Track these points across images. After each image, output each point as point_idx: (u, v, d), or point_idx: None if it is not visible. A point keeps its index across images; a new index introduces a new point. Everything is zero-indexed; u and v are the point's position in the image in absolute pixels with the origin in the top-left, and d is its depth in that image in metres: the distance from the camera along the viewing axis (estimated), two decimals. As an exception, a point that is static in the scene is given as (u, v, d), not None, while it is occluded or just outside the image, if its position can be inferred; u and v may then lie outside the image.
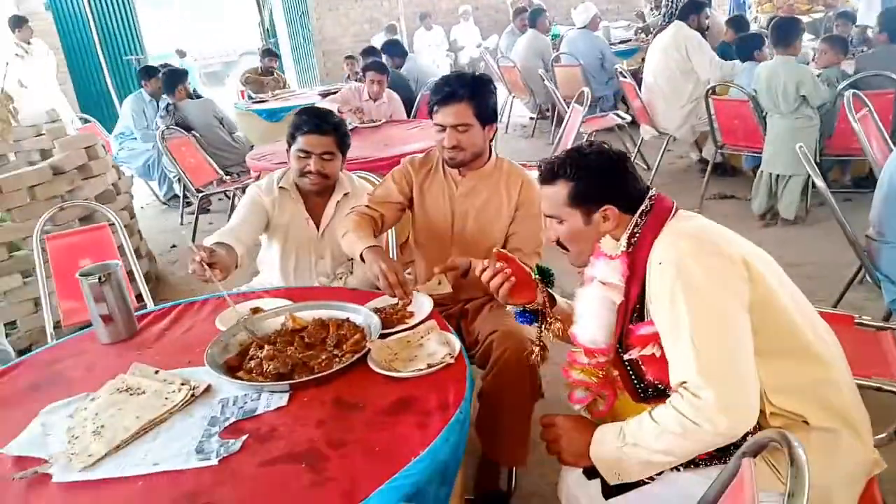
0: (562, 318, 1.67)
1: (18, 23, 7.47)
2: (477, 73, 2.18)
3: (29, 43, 7.58)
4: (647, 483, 1.37)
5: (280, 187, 2.37)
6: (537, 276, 1.66)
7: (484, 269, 1.65)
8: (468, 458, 1.55)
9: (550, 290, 1.69)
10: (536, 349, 1.70)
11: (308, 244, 2.39)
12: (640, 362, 1.41)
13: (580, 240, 1.52)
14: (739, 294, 1.30)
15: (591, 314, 1.48)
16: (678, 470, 1.36)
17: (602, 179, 1.46)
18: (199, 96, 6.02)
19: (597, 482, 1.41)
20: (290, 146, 2.32)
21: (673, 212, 1.45)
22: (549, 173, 1.51)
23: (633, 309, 1.42)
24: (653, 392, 1.44)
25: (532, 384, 1.99)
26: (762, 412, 1.29)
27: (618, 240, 1.45)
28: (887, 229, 2.41)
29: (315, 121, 2.27)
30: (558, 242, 1.56)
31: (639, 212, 1.45)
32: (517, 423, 1.98)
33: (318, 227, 2.37)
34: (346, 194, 2.40)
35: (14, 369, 1.79)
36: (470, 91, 2.07)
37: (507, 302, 1.70)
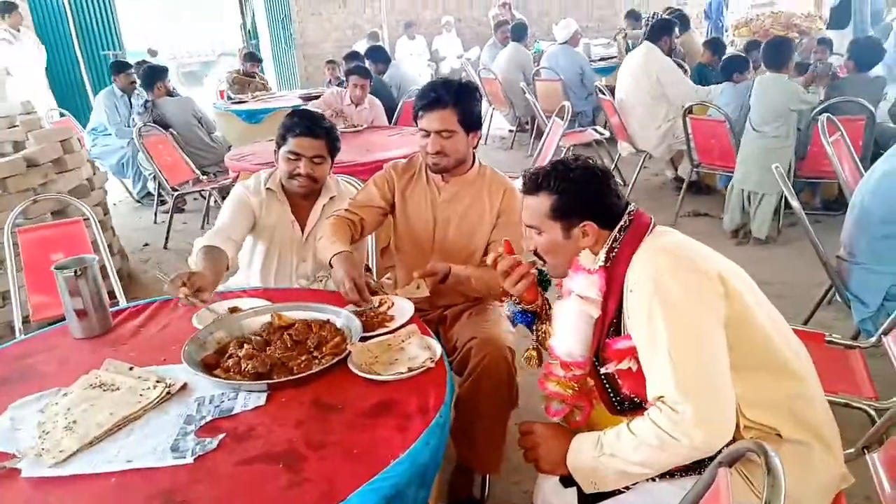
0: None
1: (7, 8, 7.32)
2: (464, 81, 2.19)
3: (18, 30, 7.44)
4: (623, 492, 1.39)
5: (267, 188, 2.35)
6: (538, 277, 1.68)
7: (497, 258, 1.64)
8: (443, 464, 1.55)
9: (545, 295, 1.72)
10: (533, 353, 1.73)
11: (291, 246, 2.37)
12: (617, 376, 1.43)
13: (558, 252, 1.53)
14: (716, 310, 1.32)
15: (568, 327, 1.50)
16: (654, 480, 1.38)
17: (585, 195, 1.47)
18: (175, 94, 5.95)
19: (573, 490, 1.43)
20: (279, 147, 2.31)
21: (651, 227, 1.47)
22: (534, 184, 1.51)
23: (609, 323, 1.43)
24: (629, 405, 1.45)
25: (509, 392, 2.00)
26: (736, 426, 1.32)
27: (596, 254, 1.47)
28: (857, 250, 2.48)
29: (307, 123, 2.26)
30: (536, 253, 1.57)
31: (618, 227, 1.47)
32: (493, 431, 1.99)
33: (302, 230, 2.36)
34: (332, 198, 2.39)
35: (-18, 362, 1.75)
36: (455, 97, 2.08)
37: (519, 296, 1.69)
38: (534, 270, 1.64)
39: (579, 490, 1.41)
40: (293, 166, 2.27)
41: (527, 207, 1.54)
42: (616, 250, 1.44)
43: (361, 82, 5.18)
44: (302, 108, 2.39)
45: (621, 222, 1.47)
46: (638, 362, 1.36)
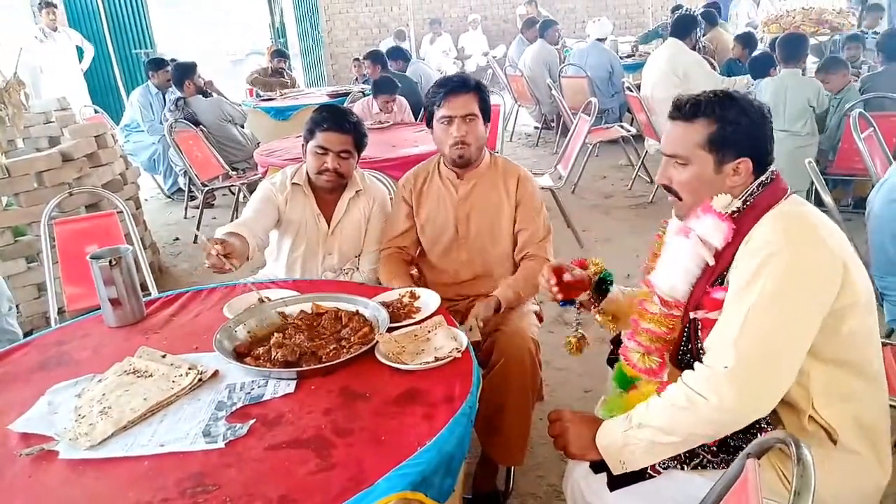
0: (613, 311, 1.73)
1: (46, 6, 7.47)
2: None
3: (55, 29, 7.59)
4: (653, 476, 1.38)
5: (293, 183, 2.38)
6: (593, 288, 1.73)
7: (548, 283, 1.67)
8: (466, 456, 1.56)
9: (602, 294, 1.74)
10: (573, 339, 1.76)
11: (317, 240, 2.40)
12: (700, 325, 1.39)
13: (700, 189, 1.42)
14: (823, 294, 1.27)
15: (679, 266, 1.43)
16: (682, 468, 1.37)
17: (749, 129, 1.37)
18: (208, 94, 6.02)
19: (603, 476, 1.42)
20: (306, 142, 2.33)
21: (787, 194, 1.40)
22: (692, 109, 1.40)
23: (719, 273, 1.37)
24: (691, 359, 1.41)
25: (533, 385, 2.01)
26: (799, 414, 1.30)
27: (730, 201, 1.38)
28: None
29: (335, 118, 2.29)
30: (668, 187, 1.48)
31: (759, 180, 1.39)
32: (517, 423, 1.99)
33: (328, 224, 2.39)
34: (358, 192, 2.41)
35: (22, 348, 1.80)
36: (475, 84, 2.17)
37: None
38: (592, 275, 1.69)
39: (609, 473, 1.41)
40: (321, 161, 2.29)
41: (676, 136, 1.44)
42: (749, 204, 1.37)
43: (390, 99, 5.20)
44: (329, 103, 2.41)
45: (763, 177, 1.40)
46: None
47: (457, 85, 2.14)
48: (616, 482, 1.41)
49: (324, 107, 2.41)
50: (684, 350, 1.44)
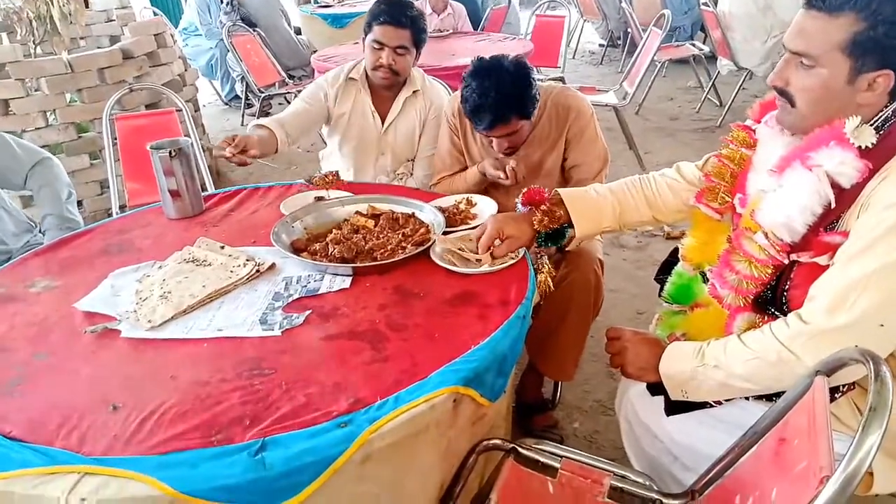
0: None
1: None
2: (515, 73, 1.89)
3: None
4: (714, 406, 1.33)
5: (349, 77, 2.33)
6: (540, 243, 1.63)
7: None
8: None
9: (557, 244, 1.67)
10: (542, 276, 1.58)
11: (370, 138, 2.36)
12: (796, 268, 1.23)
13: (823, 100, 1.18)
14: None
15: (797, 203, 1.19)
16: (748, 399, 1.31)
17: None
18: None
19: (659, 399, 1.38)
20: (365, 35, 2.26)
21: None
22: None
23: (837, 216, 1.18)
24: (769, 307, 1.29)
25: (596, 303, 1.96)
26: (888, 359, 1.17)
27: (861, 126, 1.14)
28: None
29: (392, 11, 2.20)
30: (781, 90, 1.24)
31: None
32: (574, 340, 1.96)
33: (382, 122, 2.34)
34: (415, 91, 2.35)
35: (86, 234, 1.85)
36: (514, 107, 1.88)
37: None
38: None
39: (667, 398, 1.36)
40: (377, 56, 2.23)
41: (808, 29, 1.17)
42: (883, 132, 1.14)
43: None
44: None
45: None
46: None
47: (491, 122, 1.88)
48: (674, 407, 1.36)
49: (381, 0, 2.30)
50: (767, 288, 1.29)
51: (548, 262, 1.59)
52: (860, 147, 1.13)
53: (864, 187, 1.14)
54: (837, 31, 1.13)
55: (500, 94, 1.83)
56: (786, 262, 1.24)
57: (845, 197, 1.16)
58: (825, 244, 1.18)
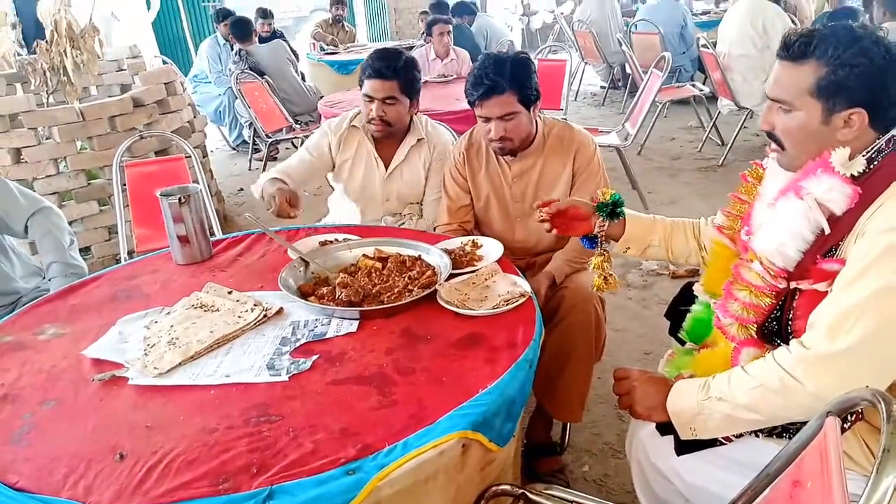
0: (632, 236, 1.64)
1: None
2: (515, 55, 2.04)
3: None
4: (724, 444, 1.31)
5: (352, 125, 2.36)
6: (601, 212, 1.62)
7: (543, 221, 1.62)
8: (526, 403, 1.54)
9: (613, 219, 1.63)
10: (597, 278, 1.65)
11: (374, 183, 2.38)
12: (797, 297, 1.25)
13: (804, 140, 1.25)
14: None
15: (789, 230, 1.24)
16: (757, 436, 1.30)
17: (868, 75, 1.17)
18: (267, 39, 6.07)
19: (669, 439, 1.36)
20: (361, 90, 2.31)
21: None
22: (802, 48, 1.21)
23: (834, 244, 1.21)
24: (776, 339, 1.31)
25: (598, 342, 1.97)
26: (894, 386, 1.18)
27: (851, 158, 1.20)
28: None
29: (377, 65, 2.21)
30: (770, 134, 1.31)
31: (889, 136, 1.20)
32: (579, 380, 1.95)
33: (386, 168, 2.37)
34: (419, 140, 2.37)
35: (94, 281, 1.86)
36: (511, 79, 1.95)
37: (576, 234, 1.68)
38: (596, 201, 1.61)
39: (676, 438, 1.34)
40: (367, 109, 2.26)
41: (782, 78, 1.25)
42: (876, 163, 1.19)
43: (444, 29, 5.16)
44: (382, 47, 2.33)
45: (894, 131, 1.21)
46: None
47: (488, 90, 1.95)
48: (684, 447, 1.34)
49: (374, 51, 2.32)
50: (771, 319, 1.31)
51: (607, 255, 1.65)
52: (852, 176, 1.18)
53: (860, 215, 1.17)
54: (804, 77, 1.21)
55: (497, 66, 1.95)
56: (782, 287, 1.26)
57: (842, 225, 1.19)
58: (824, 272, 1.20)
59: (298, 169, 2.29)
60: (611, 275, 1.65)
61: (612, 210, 1.63)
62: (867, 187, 1.17)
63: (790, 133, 1.27)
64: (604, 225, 1.62)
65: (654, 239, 1.67)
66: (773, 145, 1.33)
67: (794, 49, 1.22)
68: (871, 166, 1.19)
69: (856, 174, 1.18)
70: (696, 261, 1.70)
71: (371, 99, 2.25)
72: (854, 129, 1.20)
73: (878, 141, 1.21)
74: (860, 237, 1.17)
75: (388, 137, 2.35)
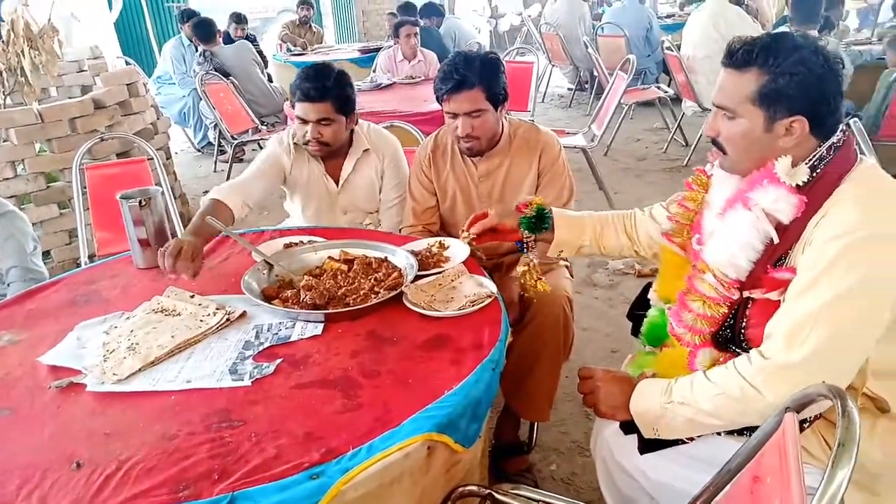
0: (566, 240, 1.71)
1: None
2: (485, 54, 2.05)
3: None
4: (686, 443, 1.33)
5: (295, 144, 2.30)
6: (526, 227, 1.71)
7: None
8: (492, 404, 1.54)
9: (538, 232, 1.71)
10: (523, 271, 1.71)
11: (328, 200, 2.36)
12: (750, 305, 1.28)
13: (747, 147, 1.27)
14: None
15: (739, 241, 1.27)
16: (719, 434, 1.32)
17: (807, 84, 1.19)
18: (232, 40, 6.01)
19: (633, 437, 1.38)
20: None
21: (858, 160, 1.23)
22: (745, 57, 1.23)
23: (783, 253, 1.23)
24: (731, 345, 1.33)
25: (566, 342, 1.97)
26: (852, 387, 1.23)
27: (794, 166, 1.22)
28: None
29: (306, 88, 2.13)
30: (715, 141, 1.33)
31: (829, 143, 1.22)
32: (547, 380, 1.96)
33: (336, 184, 2.34)
34: (365, 150, 2.33)
35: (52, 286, 1.81)
36: (480, 75, 1.96)
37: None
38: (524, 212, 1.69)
39: (640, 437, 1.36)
40: (303, 131, 2.19)
41: (726, 85, 1.28)
42: (819, 171, 1.21)
43: (411, 31, 5.17)
44: (312, 64, 2.24)
45: (834, 139, 1.23)
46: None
47: (457, 84, 1.95)
48: (647, 445, 1.36)
49: (301, 72, 2.20)
50: (725, 327, 1.33)
51: (535, 259, 1.70)
52: (797, 185, 1.20)
53: (806, 223, 1.20)
54: (746, 85, 1.23)
55: (467, 62, 1.97)
56: (735, 297, 1.29)
57: (789, 234, 1.22)
58: (775, 280, 1.23)
59: (256, 184, 2.21)
60: (533, 283, 1.71)
61: (537, 223, 1.68)
62: (812, 195, 1.20)
63: (734, 140, 1.29)
64: (530, 237, 1.69)
65: (584, 240, 1.72)
66: (716, 150, 1.36)
67: (738, 57, 1.25)
68: (815, 174, 1.21)
69: (800, 183, 1.20)
70: (628, 254, 1.75)
71: (305, 122, 2.18)
72: (795, 136, 1.22)
73: (819, 149, 1.23)
74: (808, 246, 1.20)
75: (330, 156, 2.30)
